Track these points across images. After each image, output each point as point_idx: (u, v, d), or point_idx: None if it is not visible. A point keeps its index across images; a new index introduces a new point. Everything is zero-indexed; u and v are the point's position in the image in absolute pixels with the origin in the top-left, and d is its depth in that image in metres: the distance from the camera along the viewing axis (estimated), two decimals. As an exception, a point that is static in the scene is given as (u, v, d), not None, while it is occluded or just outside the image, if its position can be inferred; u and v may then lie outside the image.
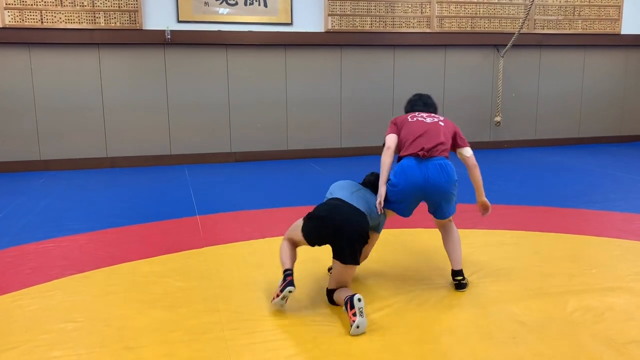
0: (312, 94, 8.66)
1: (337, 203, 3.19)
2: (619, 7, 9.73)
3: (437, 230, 3.61)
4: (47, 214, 5.41)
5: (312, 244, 3.18)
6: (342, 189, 3.35)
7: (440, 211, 3.38)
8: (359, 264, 3.17)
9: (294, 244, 3.32)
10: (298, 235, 3.22)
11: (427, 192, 3.29)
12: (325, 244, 3.16)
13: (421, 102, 3.68)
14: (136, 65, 7.96)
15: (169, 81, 8.09)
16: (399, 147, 3.43)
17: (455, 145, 3.48)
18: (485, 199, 3.57)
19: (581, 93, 9.99)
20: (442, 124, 3.44)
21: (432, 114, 3.53)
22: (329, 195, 3.37)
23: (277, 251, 4.08)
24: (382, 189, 3.33)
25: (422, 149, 3.28)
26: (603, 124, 10.20)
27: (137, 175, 7.41)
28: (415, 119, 3.46)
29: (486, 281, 3.51)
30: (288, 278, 3.03)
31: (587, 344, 2.71)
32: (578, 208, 5.37)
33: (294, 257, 3.27)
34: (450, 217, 3.47)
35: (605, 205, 5.44)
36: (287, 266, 3.17)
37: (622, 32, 9.83)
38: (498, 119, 9.41)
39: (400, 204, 3.35)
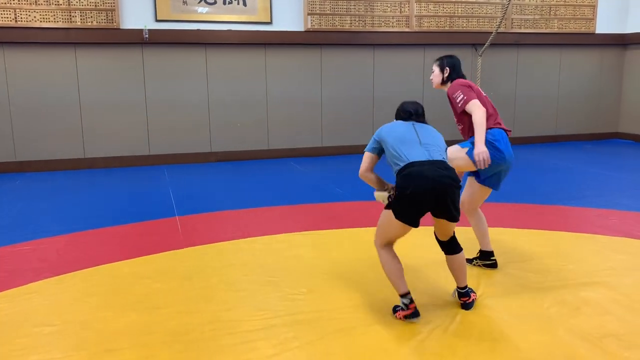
0: (292, 93, 8.65)
1: (417, 169, 2.85)
2: (594, 7, 9.91)
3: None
4: (23, 216, 5.32)
5: (415, 224, 2.88)
6: (406, 144, 2.99)
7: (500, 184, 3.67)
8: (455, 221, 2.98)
9: (391, 246, 3.05)
10: (393, 228, 2.93)
11: (509, 167, 3.57)
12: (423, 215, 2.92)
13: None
14: (114, 64, 7.86)
15: (147, 81, 8.01)
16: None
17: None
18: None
19: (557, 91, 10.15)
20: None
21: None
22: (393, 152, 2.99)
23: (259, 250, 4.08)
24: (483, 146, 3.32)
25: (509, 129, 3.56)
26: (579, 122, 10.38)
27: (116, 176, 7.32)
28: (481, 91, 3.60)
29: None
30: (411, 306, 2.91)
31: (564, 338, 2.76)
32: (555, 205, 5.46)
33: (402, 271, 3.01)
34: None
35: (581, 202, 5.54)
36: (404, 290, 2.96)
37: (597, 32, 10.01)
38: (477, 117, 9.49)
39: (494, 173, 3.53)
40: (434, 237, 3.16)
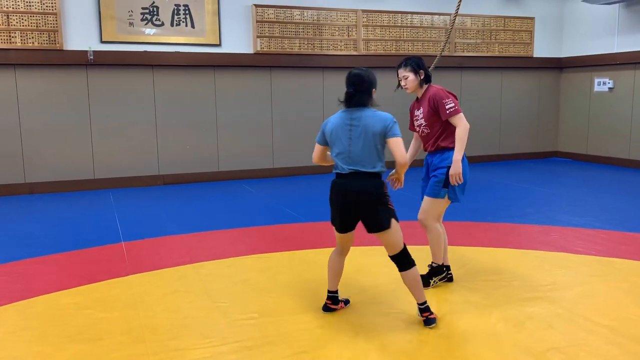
0: (242, 114, 8.62)
1: (339, 181, 3.07)
2: (531, 32, 10.41)
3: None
4: (-45, 245, 5.03)
5: (339, 230, 3.15)
6: (336, 146, 3.06)
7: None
8: (375, 232, 3.02)
9: (340, 254, 3.29)
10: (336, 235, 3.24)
11: None
12: (357, 223, 3.12)
13: None
14: (56, 86, 7.62)
15: (92, 103, 7.80)
16: (444, 127, 3.60)
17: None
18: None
19: (500, 112, 10.54)
20: None
21: None
22: (333, 147, 3.10)
23: (206, 275, 4.00)
24: (460, 165, 3.48)
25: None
26: (520, 141, 10.79)
27: (58, 202, 7.05)
28: None
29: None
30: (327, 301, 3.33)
31: (509, 353, 2.82)
32: (499, 222, 5.62)
33: (338, 274, 3.32)
34: None
35: (523, 219, 5.73)
36: (333, 287, 3.32)
37: (535, 55, 10.50)
38: (424, 137, 9.72)
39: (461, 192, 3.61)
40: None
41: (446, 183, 3.50)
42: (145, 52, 7.90)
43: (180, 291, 3.77)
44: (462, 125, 3.50)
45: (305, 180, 8.50)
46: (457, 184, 3.50)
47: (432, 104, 3.57)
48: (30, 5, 7.29)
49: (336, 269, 3.29)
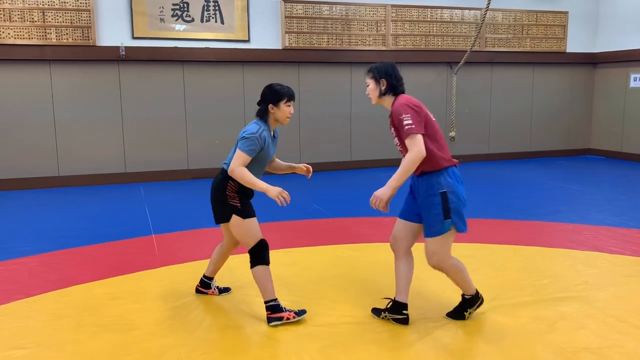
0: (270, 110, 8.64)
1: None
2: (564, 27, 10.19)
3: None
4: (-6, 236, 5.20)
5: (217, 221, 3.31)
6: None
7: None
8: (219, 223, 3.28)
9: (222, 245, 3.51)
10: None
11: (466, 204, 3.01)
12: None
13: (401, 78, 3.18)
14: (89, 82, 7.79)
15: (123, 98, 7.95)
16: (429, 148, 2.89)
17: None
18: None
19: (531, 108, 10.36)
20: None
21: None
22: None
23: (234, 268, 4.05)
24: (388, 192, 2.90)
25: (458, 160, 3.12)
26: (552, 138, 10.59)
27: (91, 195, 7.21)
28: (431, 116, 3.04)
29: (442, 294, 3.57)
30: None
31: (540, 353, 2.78)
32: (530, 220, 5.54)
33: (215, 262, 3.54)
34: None
35: (555, 217, 5.63)
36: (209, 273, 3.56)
37: (568, 50, 10.28)
38: (452, 134, 9.64)
39: (462, 216, 2.95)
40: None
41: (447, 214, 2.89)
42: (176, 47, 8.00)
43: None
44: (413, 151, 2.82)
45: (331, 176, 8.51)
46: (375, 207, 2.94)
47: (393, 121, 2.98)
48: (65, 2, 7.46)
49: (214, 257, 3.56)
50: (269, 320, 3.10)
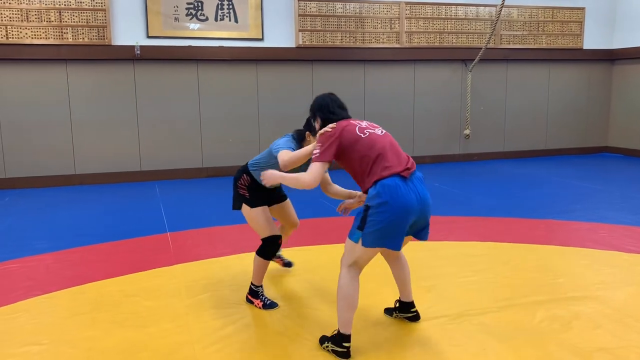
0: (284, 108, 8.67)
1: None
2: (581, 23, 10.06)
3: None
4: (11, 233, 5.27)
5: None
6: None
7: (425, 231, 2.85)
8: (233, 209, 3.62)
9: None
10: None
11: (420, 212, 2.70)
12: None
13: (338, 106, 3.03)
14: (105, 81, 7.86)
15: (138, 97, 8.01)
16: (353, 169, 2.79)
17: None
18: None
19: (547, 106, 10.25)
20: (385, 132, 2.91)
21: (370, 123, 2.93)
22: None
23: (249, 267, 4.07)
24: (276, 175, 2.88)
25: (406, 168, 2.70)
26: (569, 136, 10.47)
27: (106, 193, 7.29)
28: (367, 132, 2.80)
29: (457, 293, 3.55)
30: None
31: (555, 353, 2.75)
32: (545, 219, 5.48)
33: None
34: None
35: (570, 216, 5.57)
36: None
37: (584, 47, 10.15)
38: (467, 132, 9.58)
39: (383, 230, 2.62)
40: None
41: (362, 224, 2.65)
42: (190, 46, 8.05)
43: (224, 281, 3.84)
44: (306, 176, 2.76)
45: (344, 174, 8.49)
46: (261, 180, 2.97)
47: None
48: (80, 2, 7.54)
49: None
50: (246, 299, 3.47)
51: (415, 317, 3.13)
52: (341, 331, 2.73)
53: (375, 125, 2.93)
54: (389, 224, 2.61)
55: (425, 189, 2.75)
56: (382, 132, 2.89)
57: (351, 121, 2.89)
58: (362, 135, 2.78)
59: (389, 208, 2.60)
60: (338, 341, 2.73)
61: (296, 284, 3.79)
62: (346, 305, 2.72)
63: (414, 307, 3.13)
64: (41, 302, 3.51)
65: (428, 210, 2.76)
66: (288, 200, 3.78)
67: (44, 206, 6.51)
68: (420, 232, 2.84)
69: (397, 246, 2.67)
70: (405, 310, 3.14)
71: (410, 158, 2.83)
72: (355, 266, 2.77)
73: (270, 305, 3.36)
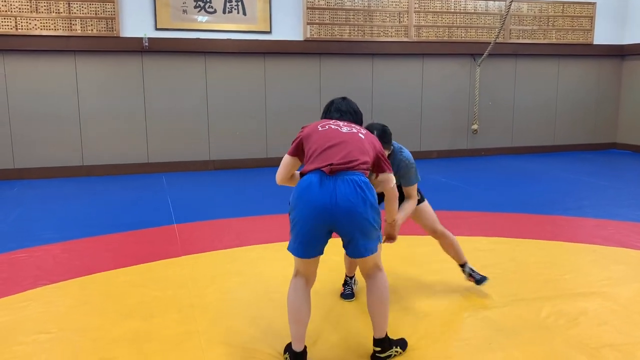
0: (291, 101, 8.67)
1: None
2: (592, 18, 9.97)
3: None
4: (20, 223, 5.31)
5: None
6: None
7: (353, 245, 2.48)
8: None
9: None
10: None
11: (335, 218, 2.39)
12: None
13: (335, 109, 2.84)
14: (113, 72, 7.88)
15: (146, 89, 8.03)
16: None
17: (376, 168, 2.63)
18: (394, 223, 2.97)
19: (556, 101, 10.18)
20: (362, 136, 2.59)
21: (352, 124, 2.70)
22: None
23: (256, 259, 4.08)
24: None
25: (330, 164, 2.43)
26: (577, 132, 10.40)
27: (114, 184, 7.32)
28: (327, 126, 2.62)
29: (462, 288, 3.55)
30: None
31: (560, 349, 2.75)
32: (552, 215, 5.46)
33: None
34: (379, 264, 2.59)
35: (578, 212, 5.54)
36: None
37: (595, 42, 10.06)
38: (475, 127, 9.54)
39: (296, 236, 2.50)
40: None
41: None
42: (198, 39, 8.05)
43: (230, 273, 3.86)
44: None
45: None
46: None
47: None
48: (90, -6, 7.56)
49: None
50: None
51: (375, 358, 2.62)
52: (292, 347, 2.55)
53: (351, 125, 2.66)
54: (295, 227, 2.47)
55: (349, 193, 2.37)
56: (349, 130, 2.59)
57: (329, 120, 2.72)
58: (320, 129, 2.59)
59: (294, 210, 2.48)
60: (290, 355, 2.54)
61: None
62: (290, 319, 2.53)
63: (379, 345, 2.58)
64: (50, 291, 3.54)
65: (348, 219, 2.38)
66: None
67: (52, 197, 6.55)
68: (347, 246, 2.50)
69: (303, 254, 2.46)
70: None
71: (361, 159, 2.48)
72: (299, 275, 2.57)
73: (346, 296, 3.36)
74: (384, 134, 2.94)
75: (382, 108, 9.01)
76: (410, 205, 3.09)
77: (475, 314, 3.15)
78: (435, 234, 3.42)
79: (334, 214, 2.38)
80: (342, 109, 2.82)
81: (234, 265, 4.04)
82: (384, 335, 2.59)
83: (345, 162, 2.44)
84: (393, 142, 3.06)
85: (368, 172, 2.53)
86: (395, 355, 2.64)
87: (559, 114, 10.23)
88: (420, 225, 3.41)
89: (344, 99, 2.90)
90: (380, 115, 9.05)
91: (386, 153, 2.78)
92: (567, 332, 2.93)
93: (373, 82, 9.02)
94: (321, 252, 2.53)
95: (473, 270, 3.49)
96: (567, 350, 2.73)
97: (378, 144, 2.65)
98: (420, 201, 3.28)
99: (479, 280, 3.43)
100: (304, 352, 2.55)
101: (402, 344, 2.72)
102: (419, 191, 3.24)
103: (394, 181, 2.70)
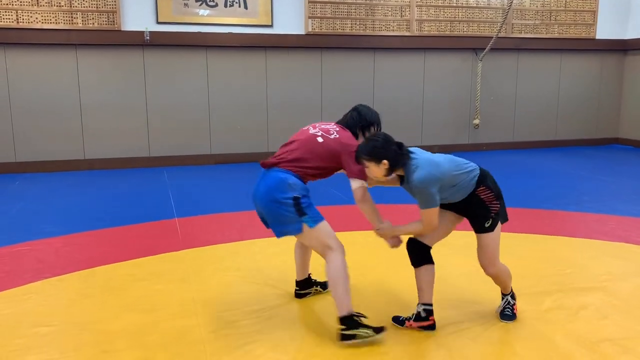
0: (293, 96, 8.66)
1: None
2: (594, 13, 9.93)
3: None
4: (21, 216, 5.33)
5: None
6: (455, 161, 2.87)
7: (272, 228, 2.88)
8: None
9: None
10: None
11: (256, 205, 2.94)
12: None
13: (352, 109, 3.17)
14: (114, 66, 7.87)
15: (147, 82, 8.02)
16: None
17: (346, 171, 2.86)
18: (385, 230, 2.91)
19: (558, 96, 10.16)
20: (321, 140, 2.87)
21: (334, 126, 2.99)
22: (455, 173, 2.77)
23: (257, 253, 4.08)
24: None
25: (264, 161, 2.90)
26: (579, 127, 10.38)
27: (115, 178, 7.33)
28: (308, 126, 3.04)
29: (463, 282, 3.55)
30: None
31: (561, 343, 2.75)
32: (553, 209, 5.46)
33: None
34: (325, 244, 2.81)
35: (579, 207, 5.54)
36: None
37: (597, 37, 10.03)
38: (477, 121, 9.52)
39: None
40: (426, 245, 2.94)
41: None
42: (199, 33, 8.03)
43: (232, 267, 3.87)
44: None
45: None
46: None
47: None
48: (91, -13, 7.54)
49: None
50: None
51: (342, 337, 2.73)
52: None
53: (327, 128, 2.96)
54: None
55: (264, 185, 2.83)
56: (315, 131, 2.93)
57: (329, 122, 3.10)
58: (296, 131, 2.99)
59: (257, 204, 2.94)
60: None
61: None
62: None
63: (341, 324, 2.72)
64: (51, 284, 3.55)
65: (261, 205, 2.85)
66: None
67: (53, 190, 6.56)
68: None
69: (274, 233, 2.87)
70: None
71: (302, 160, 2.84)
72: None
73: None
74: (372, 149, 2.68)
75: (384, 102, 8.99)
76: (415, 226, 2.80)
77: (475, 308, 3.16)
78: (485, 271, 3.00)
79: (255, 202, 2.92)
80: (345, 116, 3.13)
81: (235, 259, 4.05)
82: (344, 314, 2.73)
83: (277, 160, 2.87)
84: (416, 156, 2.75)
85: (306, 172, 2.85)
86: (365, 336, 2.71)
87: (561, 108, 10.21)
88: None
89: (367, 107, 3.15)
90: (381, 109, 8.97)
91: (392, 171, 2.73)
92: (567, 326, 2.93)
93: (374, 77, 9.00)
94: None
95: (508, 304, 3.05)
96: (567, 344, 2.74)
97: (349, 150, 2.81)
98: (486, 229, 2.88)
99: (505, 316, 3.02)
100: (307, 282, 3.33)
101: (378, 329, 2.75)
102: (495, 216, 2.87)
103: (358, 185, 2.83)
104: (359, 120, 3.03)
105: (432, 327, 2.89)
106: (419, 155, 2.77)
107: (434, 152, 2.92)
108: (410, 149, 2.80)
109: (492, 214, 2.84)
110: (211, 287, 3.50)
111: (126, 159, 8.07)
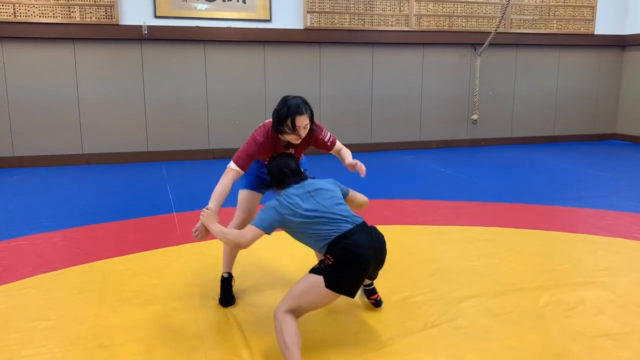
0: (291, 90, 8.53)
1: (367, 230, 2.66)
2: (593, 8, 9.92)
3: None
4: (19, 211, 5.32)
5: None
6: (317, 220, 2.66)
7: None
8: None
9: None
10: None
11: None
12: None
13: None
14: (112, 60, 7.85)
15: (145, 77, 8.00)
16: None
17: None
18: (207, 217, 3.16)
19: (556, 92, 10.16)
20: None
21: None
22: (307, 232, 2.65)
23: (255, 247, 4.08)
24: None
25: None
26: (577, 123, 10.39)
27: (113, 172, 7.32)
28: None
29: (461, 277, 3.56)
30: None
31: (557, 337, 2.77)
32: (551, 205, 5.47)
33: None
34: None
35: (577, 202, 5.55)
36: None
37: (596, 33, 10.02)
38: (475, 117, 9.52)
39: None
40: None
41: None
42: (197, 27, 8.01)
43: (229, 262, 3.86)
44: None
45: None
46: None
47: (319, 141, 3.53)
48: (88, -19, 7.50)
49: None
50: (379, 303, 3.11)
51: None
52: None
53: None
54: None
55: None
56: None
57: None
58: None
59: None
60: None
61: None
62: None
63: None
64: (49, 278, 3.55)
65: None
66: None
67: (51, 185, 6.55)
68: None
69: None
70: None
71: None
72: None
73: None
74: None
75: (382, 97, 8.99)
76: (232, 235, 2.98)
77: (472, 303, 3.17)
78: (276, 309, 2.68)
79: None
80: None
81: (233, 253, 4.04)
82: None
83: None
84: (293, 191, 2.82)
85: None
86: None
87: (559, 104, 10.21)
88: None
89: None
90: (379, 104, 9.03)
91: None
92: (564, 321, 2.94)
93: (373, 71, 8.99)
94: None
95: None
96: (564, 339, 2.75)
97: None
98: (316, 270, 2.59)
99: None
100: None
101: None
102: (327, 271, 2.56)
103: (230, 165, 3.31)
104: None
105: None
106: (295, 193, 2.75)
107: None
108: (315, 185, 2.90)
109: (324, 270, 2.54)
110: (209, 282, 3.50)
111: (124, 154, 8.06)
